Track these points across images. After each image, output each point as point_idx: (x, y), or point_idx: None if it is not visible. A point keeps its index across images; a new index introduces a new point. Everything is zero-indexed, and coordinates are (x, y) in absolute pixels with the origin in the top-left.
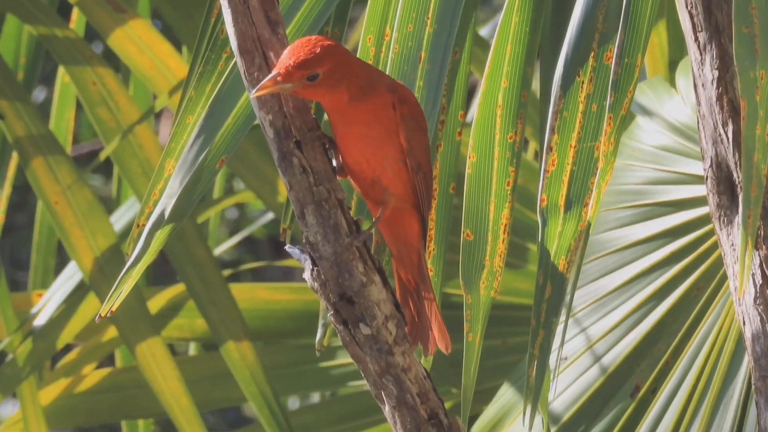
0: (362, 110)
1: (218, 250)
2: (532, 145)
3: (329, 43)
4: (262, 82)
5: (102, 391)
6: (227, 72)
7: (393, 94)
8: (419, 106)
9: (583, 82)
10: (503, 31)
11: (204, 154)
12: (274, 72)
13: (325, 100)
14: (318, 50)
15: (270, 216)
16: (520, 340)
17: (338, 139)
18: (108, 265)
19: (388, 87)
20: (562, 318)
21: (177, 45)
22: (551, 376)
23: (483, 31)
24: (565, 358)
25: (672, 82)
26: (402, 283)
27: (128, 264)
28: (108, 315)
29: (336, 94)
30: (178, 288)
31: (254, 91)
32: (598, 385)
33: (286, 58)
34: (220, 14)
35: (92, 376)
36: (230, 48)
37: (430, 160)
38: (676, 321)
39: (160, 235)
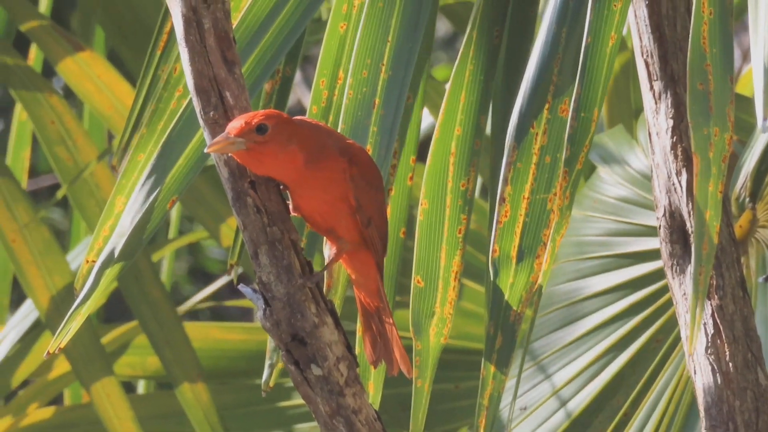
0: (317, 177)
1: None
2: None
3: (272, 110)
4: (214, 140)
5: (52, 428)
6: (180, 111)
7: (344, 156)
8: (371, 164)
9: (537, 134)
10: (457, 79)
11: (155, 193)
12: (224, 133)
13: (279, 162)
14: (262, 111)
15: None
16: (472, 384)
17: (292, 195)
18: (64, 304)
19: (339, 149)
20: (516, 369)
21: (133, 82)
22: (508, 426)
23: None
24: (524, 408)
25: (633, 132)
26: (363, 305)
27: (77, 301)
28: (57, 352)
29: (288, 154)
30: (131, 325)
31: (207, 147)
32: None
33: (233, 122)
34: (165, 49)
35: (42, 412)
36: (183, 86)
37: (384, 213)
38: (635, 373)
39: (110, 274)
